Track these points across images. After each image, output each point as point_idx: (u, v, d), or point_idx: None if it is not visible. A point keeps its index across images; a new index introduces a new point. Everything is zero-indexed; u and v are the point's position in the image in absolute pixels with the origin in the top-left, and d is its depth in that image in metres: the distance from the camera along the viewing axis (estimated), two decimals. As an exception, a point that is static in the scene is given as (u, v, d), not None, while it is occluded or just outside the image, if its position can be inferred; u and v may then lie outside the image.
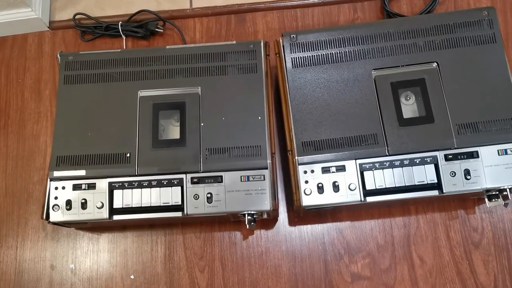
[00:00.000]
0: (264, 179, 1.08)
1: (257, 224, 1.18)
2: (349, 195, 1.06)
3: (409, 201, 1.16)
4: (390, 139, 1.07)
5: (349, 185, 1.06)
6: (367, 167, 1.07)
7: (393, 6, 1.35)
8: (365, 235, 1.18)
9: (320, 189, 1.07)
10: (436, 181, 1.05)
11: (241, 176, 1.09)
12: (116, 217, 1.09)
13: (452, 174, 1.05)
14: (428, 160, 1.06)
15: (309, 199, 1.07)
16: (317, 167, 1.08)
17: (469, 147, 1.06)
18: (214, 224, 1.21)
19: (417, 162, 1.06)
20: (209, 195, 1.08)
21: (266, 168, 1.08)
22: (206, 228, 1.21)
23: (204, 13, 1.37)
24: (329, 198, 1.07)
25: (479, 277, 1.14)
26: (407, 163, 1.06)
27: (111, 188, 1.09)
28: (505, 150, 1.05)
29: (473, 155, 1.06)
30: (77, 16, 1.37)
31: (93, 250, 1.22)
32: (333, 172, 1.08)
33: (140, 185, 1.09)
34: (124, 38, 1.36)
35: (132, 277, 1.19)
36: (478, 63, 1.10)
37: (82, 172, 1.10)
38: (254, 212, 1.08)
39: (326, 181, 1.07)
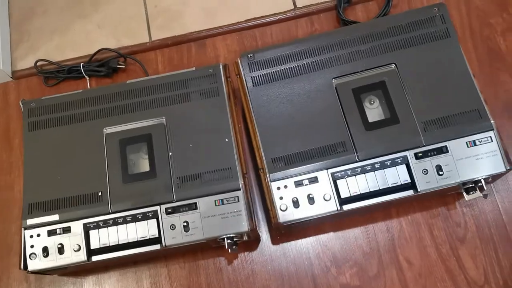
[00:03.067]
0: (239, 201, 1.08)
1: (240, 246, 1.18)
2: (325, 206, 1.06)
3: (388, 204, 1.16)
4: (359, 145, 1.08)
5: (324, 196, 1.06)
6: (339, 175, 1.07)
7: (348, 15, 1.36)
8: (349, 244, 1.17)
9: (296, 203, 1.07)
10: (409, 180, 1.05)
11: (215, 201, 1.08)
12: (95, 258, 1.08)
13: (425, 171, 1.05)
14: (399, 161, 1.06)
15: (286, 215, 1.07)
16: (290, 182, 1.08)
17: (438, 143, 1.06)
18: (197, 252, 1.20)
19: (388, 164, 1.06)
20: (185, 224, 1.07)
21: (239, 189, 1.08)
22: (189, 258, 1.20)
23: (163, 44, 1.38)
24: (305, 211, 1.06)
25: (468, 272, 1.13)
26: (378, 166, 1.07)
27: (86, 229, 1.09)
28: (474, 141, 1.06)
29: (443, 150, 1.06)
30: (38, 63, 1.38)
31: (78, 294, 1.21)
32: (306, 184, 1.08)
33: (115, 222, 1.09)
34: (87, 78, 1.36)
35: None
36: (435, 58, 1.12)
37: (55, 217, 1.09)
38: (233, 235, 1.08)
39: (301, 195, 1.07)
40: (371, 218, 1.19)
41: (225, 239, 1.07)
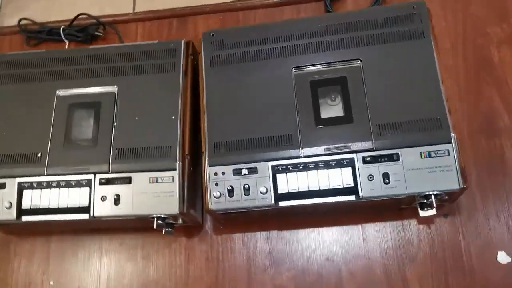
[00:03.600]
0: (173, 181, 1.03)
1: (179, 230, 1.13)
2: (260, 199, 1.00)
3: (340, 210, 1.08)
4: (305, 140, 1.00)
5: (260, 189, 1.00)
6: (280, 169, 1.00)
7: (338, 8, 1.29)
8: (293, 245, 1.10)
9: (230, 192, 1.01)
10: (353, 185, 0.97)
11: (150, 178, 1.04)
12: (24, 218, 1.06)
13: (370, 178, 0.97)
14: (345, 163, 0.99)
15: (218, 203, 1.01)
16: (229, 169, 1.02)
17: (389, 149, 0.98)
18: (139, 231, 1.16)
19: (333, 164, 0.99)
20: (116, 197, 1.04)
21: (175, 170, 1.03)
22: (129, 236, 1.17)
23: (146, 17, 1.35)
24: (239, 202, 1.00)
25: (414, 295, 1.04)
26: (322, 165, 0.99)
27: (21, 188, 1.07)
28: (429, 152, 0.96)
29: (393, 158, 0.97)
30: (22, 22, 1.38)
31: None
32: (245, 174, 1.01)
33: (48, 185, 1.06)
34: (67, 42, 1.35)
35: (51, 283, 1.15)
36: (405, 59, 1.03)
37: (-9, 172, 1.09)
38: (164, 216, 1.03)
39: (237, 184, 1.01)
40: (322, 221, 1.11)
41: (155, 218, 1.03)
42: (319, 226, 1.11)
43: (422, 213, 1.00)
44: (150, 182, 1.04)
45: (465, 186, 0.94)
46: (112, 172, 1.05)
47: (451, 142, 0.96)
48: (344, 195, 0.98)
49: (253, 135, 1.03)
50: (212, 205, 1.01)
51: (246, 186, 1.00)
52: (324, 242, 1.09)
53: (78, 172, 1.06)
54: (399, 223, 1.08)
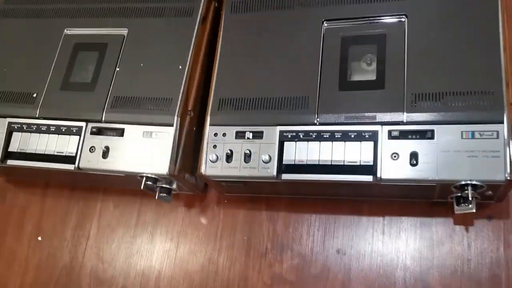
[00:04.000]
0: (168, 138, 0.90)
1: (181, 200, 1.01)
2: (261, 169, 0.84)
3: (361, 198, 0.91)
4: (323, 105, 0.84)
5: (263, 156, 0.84)
6: (289, 136, 0.84)
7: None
8: (300, 231, 0.94)
9: (229, 157, 0.86)
10: (372, 162, 0.80)
11: (144, 132, 0.92)
12: (10, 162, 0.97)
13: (395, 156, 0.79)
14: (367, 136, 0.81)
15: (212, 168, 0.87)
16: (231, 131, 0.88)
17: (423, 124, 0.79)
18: (137, 195, 1.04)
19: (353, 136, 0.81)
20: (105, 149, 0.92)
21: (172, 126, 0.90)
22: (127, 198, 1.05)
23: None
24: (236, 169, 0.86)
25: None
26: (339, 136, 0.82)
27: (10, 129, 0.98)
28: (472, 132, 0.77)
29: (427, 135, 0.78)
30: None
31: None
32: (249, 138, 0.86)
33: (38, 129, 0.96)
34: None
35: (39, 238, 1.06)
36: (460, 19, 0.83)
37: (-17, 108, 1.01)
38: (155, 177, 0.90)
39: (238, 149, 0.86)
40: (336, 207, 0.94)
41: (144, 178, 0.90)
42: (333, 212, 0.93)
43: (458, 210, 0.81)
44: (143, 137, 0.91)
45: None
46: (105, 122, 0.94)
47: (502, 123, 0.76)
48: (359, 174, 0.80)
49: (265, 94, 0.88)
50: (206, 169, 0.87)
51: (248, 152, 0.85)
52: (337, 232, 0.92)
53: (70, 118, 0.96)
54: (429, 221, 0.88)
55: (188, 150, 0.92)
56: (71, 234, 1.04)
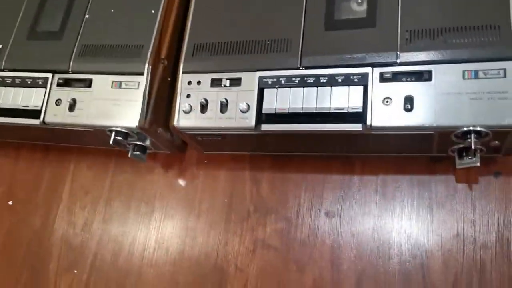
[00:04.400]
0: (138, 88, 0.80)
1: (159, 160, 0.91)
2: (238, 119, 0.74)
3: (347, 147, 0.80)
4: (308, 47, 0.74)
5: (240, 105, 0.74)
6: (270, 82, 0.74)
7: None
8: (286, 192, 0.84)
9: (204, 107, 0.77)
10: (361, 109, 0.69)
11: (112, 82, 0.82)
12: (-27, 116, 0.89)
13: (387, 101, 0.68)
14: (356, 79, 0.70)
15: (185, 119, 0.77)
16: (206, 78, 0.78)
17: (420, 64, 0.68)
18: (111, 155, 0.95)
19: (340, 80, 0.71)
20: (72, 102, 0.83)
21: (143, 74, 0.80)
22: (102, 159, 0.96)
23: None
24: (211, 120, 0.76)
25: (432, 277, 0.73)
26: (324, 81, 0.71)
27: (-25, 83, 0.90)
28: (475, 72, 0.65)
29: (424, 76, 0.68)
30: None
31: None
32: (225, 86, 0.76)
33: (3, 82, 0.88)
34: None
35: (10, 203, 0.98)
36: None
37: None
38: (125, 131, 0.81)
39: (213, 97, 0.76)
40: (326, 166, 0.83)
41: (113, 132, 0.81)
42: (322, 171, 0.83)
43: (460, 164, 0.70)
44: (112, 87, 0.82)
45: (522, 123, 0.62)
46: (72, 72, 0.84)
47: (511, 59, 0.64)
48: (348, 123, 0.70)
49: (243, 37, 0.77)
50: (179, 120, 0.77)
51: (224, 100, 0.75)
52: (326, 193, 0.81)
53: (36, 69, 0.86)
54: (428, 179, 0.77)
55: (162, 102, 0.82)
56: (43, 197, 0.96)
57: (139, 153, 0.86)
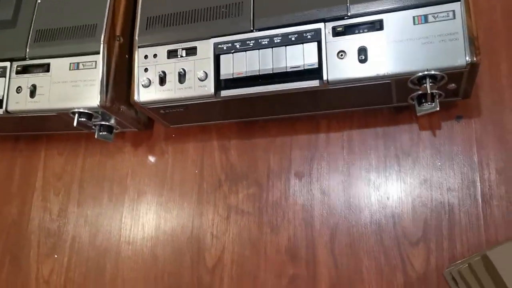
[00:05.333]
0: (95, 67, 0.77)
1: (127, 139, 0.88)
2: (197, 88, 0.72)
3: (309, 107, 0.77)
4: (259, 8, 0.70)
5: (198, 74, 0.71)
6: (225, 48, 0.71)
7: None
8: (255, 157, 0.81)
9: (162, 80, 0.74)
10: (317, 65, 0.66)
11: (70, 64, 0.79)
12: None
13: (341, 55, 0.66)
14: (309, 36, 0.67)
15: (145, 93, 0.74)
16: (162, 51, 0.75)
17: (369, 15, 0.65)
18: (81, 139, 0.92)
19: (293, 39, 0.68)
20: (32, 88, 0.79)
21: (99, 53, 0.77)
22: (72, 144, 0.92)
23: None
24: (171, 91, 0.73)
25: (405, 231, 0.72)
26: (278, 41, 0.69)
27: None
28: (425, 16, 0.63)
29: (375, 26, 0.65)
30: None
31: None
32: (182, 56, 0.73)
33: (-38, 76, 0.84)
34: None
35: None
36: None
37: None
38: (89, 112, 0.77)
39: (171, 69, 0.73)
40: (291, 128, 0.81)
41: (76, 114, 0.77)
42: (289, 133, 0.80)
43: (420, 111, 0.68)
44: (70, 69, 0.78)
45: (475, 60, 0.60)
46: (29, 59, 0.81)
47: (452, 1, 0.62)
48: (305, 80, 0.67)
49: (195, 5, 0.74)
50: (139, 95, 0.74)
51: (182, 71, 0.73)
52: (294, 154, 0.79)
53: (-6, 59, 0.83)
54: (392, 129, 0.75)
55: (122, 79, 0.79)
56: (17, 187, 0.93)
57: (105, 133, 0.83)
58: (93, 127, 0.82)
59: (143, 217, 0.84)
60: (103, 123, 0.82)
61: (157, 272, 0.82)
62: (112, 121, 0.81)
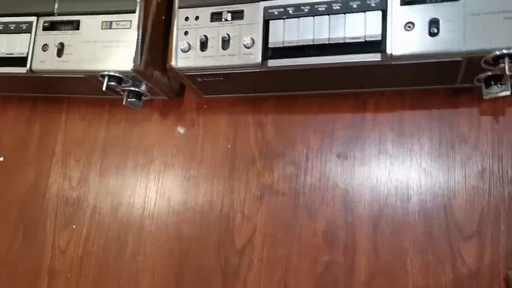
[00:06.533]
0: (131, 27, 0.66)
1: (154, 107, 0.78)
2: (242, 55, 0.61)
3: (361, 83, 0.67)
4: (312, -29, 0.59)
5: (244, 40, 0.60)
6: (276, 13, 0.60)
7: None
8: (294, 134, 0.71)
9: (203, 44, 0.62)
10: (379, 37, 0.56)
11: (102, 22, 0.67)
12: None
13: (409, 27, 0.55)
14: (373, 4, 0.57)
15: (184, 59, 0.63)
16: (205, 13, 0.63)
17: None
18: (105, 104, 0.81)
19: (355, 6, 0.57)
20: (59, 46, 0.68)
21: (134, 12, 0.66)
22: (94, 109, 0.81)
23: None
24: (212, 58, 0.62)
25: (458, 223, 0.62)
26: (338, 8, 0.58)
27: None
28: (508, -14, 0.52)
29: (451, -4, 0.55)
30: None
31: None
32: (227, 20, 0.62)
33: (-17, 28, 0.72)
34: None
35: (1, 158, 0.84)
36: None
37: None
38: (119, 75, 0.66)
39: (214, 34, 0.62)
40: (334, 106, 0.70)
41: (106, 77, 0.66)
42: (332, 110, 0.70)
43: (488, 94, 0.58)
44: (102, 28, 0.67)
45: None
46: (58, 14, 0.69)
47: (551, -31, 0.51)
48: (364, 53, 0.56)
49: (244, -36, 0.63)
50: (177, 61, 0.63)
51: (226, 36, 0.61)
52: (337, 133, 0.69)
53: (18, 13, 0.71)
54: (449, 112, 0.64)
55: (157, 42, 0.68)
56: (35, 151, 0.82)
57: (134, 99, 0.72)
58: (122, 92, 0.71)
59: (170, 191, 0.74)
60: (132, 88, 0.71)
61: (181, 249, 0.72)
62: (143, 87, 0.71)
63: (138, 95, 0.73)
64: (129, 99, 0.71)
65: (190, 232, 0.72)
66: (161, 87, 0.71)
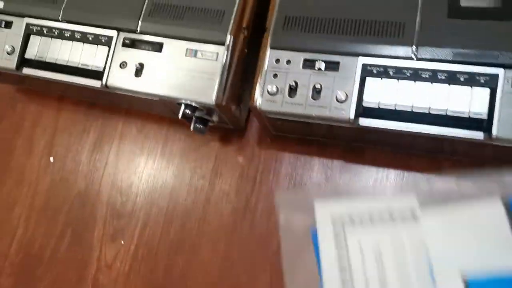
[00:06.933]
0: (217, 60, 0.58)
1: (215, 133, 0.71)
2: (333, 109, 0.54)
3: (444, 150, 0.60)
4: (425, 35, 0.53)
5: (338, 94, 0.53)
6: (375, 71, 0.54)
7: None
8: (359, 182, 0.64)
9: (293, 91, 0.56)
10: (485, 115, 0.49)
11: (187, 49, 0.60)
12: (26, 71, 0.67)
13: (519, 110, 0.48)
14: (482, 80, 0.50)
15: (271, 102, 0.56)
16: (297, 57, 0.57)
17: None
18: (163, 121, 0.73)
19: (462, 79, 0.50)
20: (139, 66, 0.61)
21: (223, 45, 0.58)
22: (151, 123, 0.74)
23: None
24: (301, 106, 0.55)
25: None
26: (443, 78, 0.51)
27: (28, 31, 0.67)
28: None
29: None
30: None
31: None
32: (319, 69, 0.55)
33: (61, 34, 0.66)
34: None
35: (51, 159, 0.76)
36: None
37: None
38: (195, 105, 0.59)
39: (305, 81, 0.55)
40: (407, 163, 0.63)
41: (183, 106, 0.59)
42: (403, 168, 0.62)
43: None
44: (186, 55, 0.60)
45: None
46: (141, 33, 0.62)
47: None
48: (466, 128, 0.49)
49: (346, 15, 0.56)
50: (262, 102, 0.56)
51: (318, 86, 0.55)
52: (403, 190, 0.62)
53: (99, 25, 0.64)
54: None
55: (237, 77, 0.61)
56: (87, 157, 0.75)
57: (201, 126, 0.65)
58: (192, 118, 0.64)
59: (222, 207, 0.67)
60: (203, 116, 0.63)
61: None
62: (215, 117, 0.63)
63: (205, 122, 0.65)
64: (196, 125, 0.64)
65: (239, 258, 0.65)
66: (231, 118, 0.64)
